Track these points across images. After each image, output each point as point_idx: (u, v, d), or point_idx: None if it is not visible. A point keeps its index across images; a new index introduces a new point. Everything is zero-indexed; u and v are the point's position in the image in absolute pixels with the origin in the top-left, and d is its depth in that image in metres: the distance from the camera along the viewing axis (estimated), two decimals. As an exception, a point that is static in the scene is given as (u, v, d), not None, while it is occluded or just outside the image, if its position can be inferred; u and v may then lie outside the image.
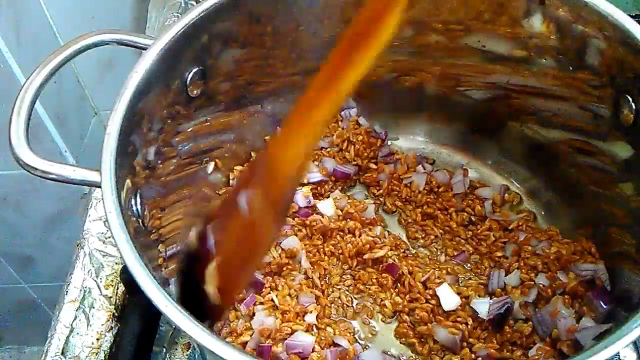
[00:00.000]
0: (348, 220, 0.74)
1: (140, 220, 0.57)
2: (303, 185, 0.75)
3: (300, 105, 0.48)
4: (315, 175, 0.77)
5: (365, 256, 0.71)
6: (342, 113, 0.81)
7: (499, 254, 0.72)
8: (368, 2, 0.44)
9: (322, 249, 0.72)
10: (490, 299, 0.67)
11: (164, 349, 0.70)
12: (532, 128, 0.75)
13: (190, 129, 0.67)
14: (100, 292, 0.75)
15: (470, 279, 0.71)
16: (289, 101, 0.79)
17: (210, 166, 0.74)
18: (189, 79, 0.64)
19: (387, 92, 0.80)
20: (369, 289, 0.71)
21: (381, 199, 0.79)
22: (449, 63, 0.75)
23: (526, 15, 0.65)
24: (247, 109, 0.75)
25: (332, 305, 0.70)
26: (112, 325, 0.72)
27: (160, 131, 0.62)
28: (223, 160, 0.75)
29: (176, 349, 0.71)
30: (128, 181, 0.55)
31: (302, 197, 0.74)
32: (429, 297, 0.68)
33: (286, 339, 0.64)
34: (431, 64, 0.76)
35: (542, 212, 0.77)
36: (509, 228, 0.74)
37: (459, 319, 0.66)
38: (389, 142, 0.83)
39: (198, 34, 0.63)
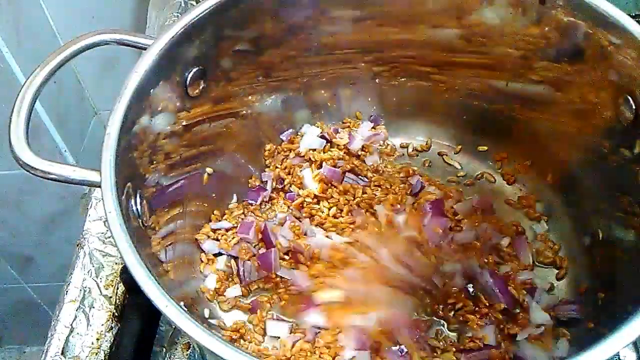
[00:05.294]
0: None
1: (140, 220, 0.57)
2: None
3: None
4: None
5: None
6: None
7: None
8: None
9: None
10: None
11: (164, 349, 0.70)
12: (532, 128, 0.75)
13: (190, 128, 0.67)
14: (100, 292, 0.75)
15: None
16: (289, 101, 0.79)
17: (210, 168, 0.74)
18: (189, 79, 0.64)
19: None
20: None
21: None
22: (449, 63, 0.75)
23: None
24: (247, 109, 0.75)
25: None
26: (112, 325, 0.72)
27: (160, 131, 0.62)
28: (222, 159, 0.75)
29: (176, 349, 0.71)
30: (128, 181, 0.55)
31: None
32: None
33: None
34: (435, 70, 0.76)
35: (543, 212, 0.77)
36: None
37: None
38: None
39: (198, 34, 0.63)
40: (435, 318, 0.68)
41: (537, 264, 0.72)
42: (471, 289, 0.68)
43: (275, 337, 0.68)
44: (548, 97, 0.70)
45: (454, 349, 0.65)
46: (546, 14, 0.63)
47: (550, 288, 0.70)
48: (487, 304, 0.67)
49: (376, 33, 0.73)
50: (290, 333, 0.68)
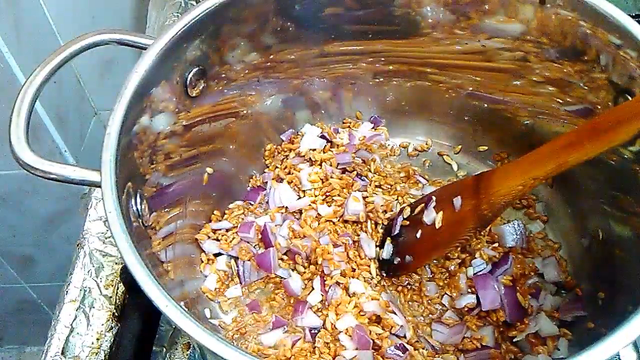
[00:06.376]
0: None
1: (140, 220, 0.57)
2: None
3: (530, 156, 0.57)
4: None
5: None
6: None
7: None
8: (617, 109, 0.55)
9: None
10: None
11: (164, 349, 0.70)
12: (532, 129, 0.75)
13: (190, 128, 0.67)
14: (100, 292, 0.75)
15: None
16: (289, 101, 0.79)
17: (210, 167, 0.74)
18: (189, 79, 0.64)
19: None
20: None
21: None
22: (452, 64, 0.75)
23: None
24: (247, 109, 0.75)
25: None
26: (112, 325, 0.72)
27: (160, 131, 0.62)
28: (222, 159, 0.75)
29: (176, 349, 0.71)
30: (128, 181, 0.55)
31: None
32: None
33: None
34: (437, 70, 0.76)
35: (543, 212, 0.77)
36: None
37: None
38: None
39: (198, 34, 0.63)
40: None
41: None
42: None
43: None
44: (548, 97, 0.70)
45: (453, 349, 0.65)
46: (546, 14, 0.64)
47: (557, 292, 0.70)
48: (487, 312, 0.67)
49: (377, 35, 0.74)
50: (285, 333, 0.68)
